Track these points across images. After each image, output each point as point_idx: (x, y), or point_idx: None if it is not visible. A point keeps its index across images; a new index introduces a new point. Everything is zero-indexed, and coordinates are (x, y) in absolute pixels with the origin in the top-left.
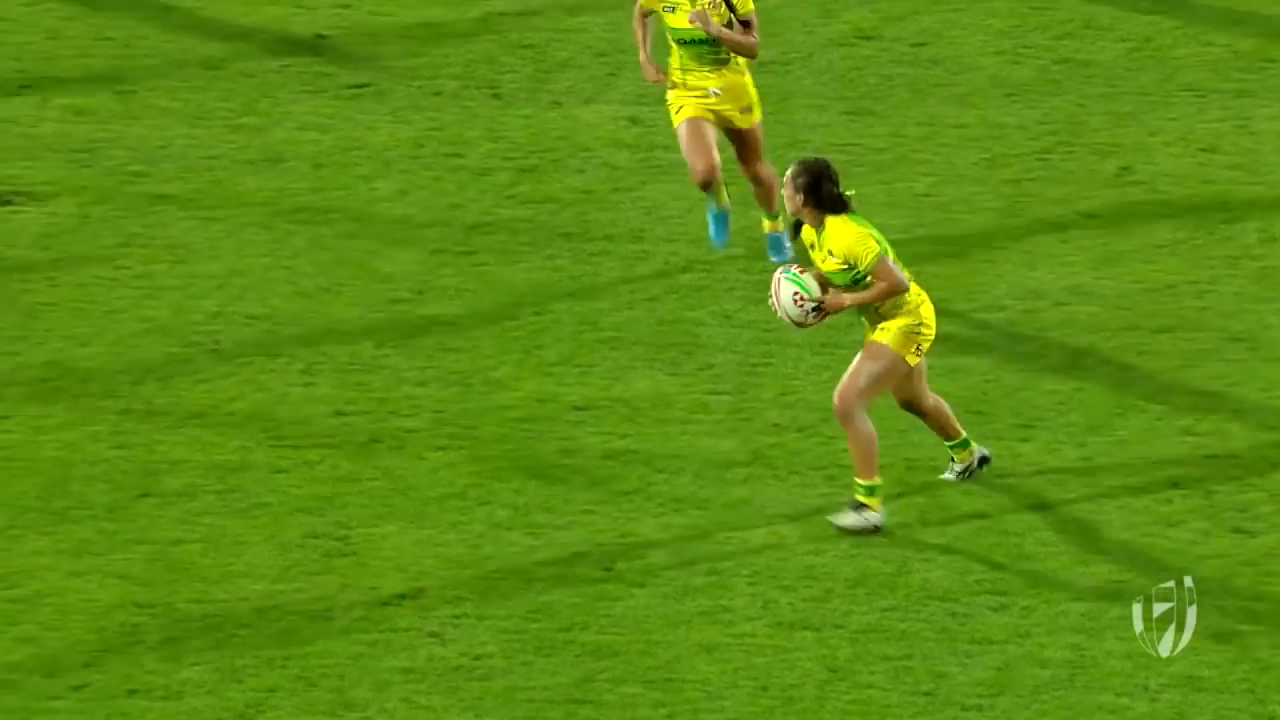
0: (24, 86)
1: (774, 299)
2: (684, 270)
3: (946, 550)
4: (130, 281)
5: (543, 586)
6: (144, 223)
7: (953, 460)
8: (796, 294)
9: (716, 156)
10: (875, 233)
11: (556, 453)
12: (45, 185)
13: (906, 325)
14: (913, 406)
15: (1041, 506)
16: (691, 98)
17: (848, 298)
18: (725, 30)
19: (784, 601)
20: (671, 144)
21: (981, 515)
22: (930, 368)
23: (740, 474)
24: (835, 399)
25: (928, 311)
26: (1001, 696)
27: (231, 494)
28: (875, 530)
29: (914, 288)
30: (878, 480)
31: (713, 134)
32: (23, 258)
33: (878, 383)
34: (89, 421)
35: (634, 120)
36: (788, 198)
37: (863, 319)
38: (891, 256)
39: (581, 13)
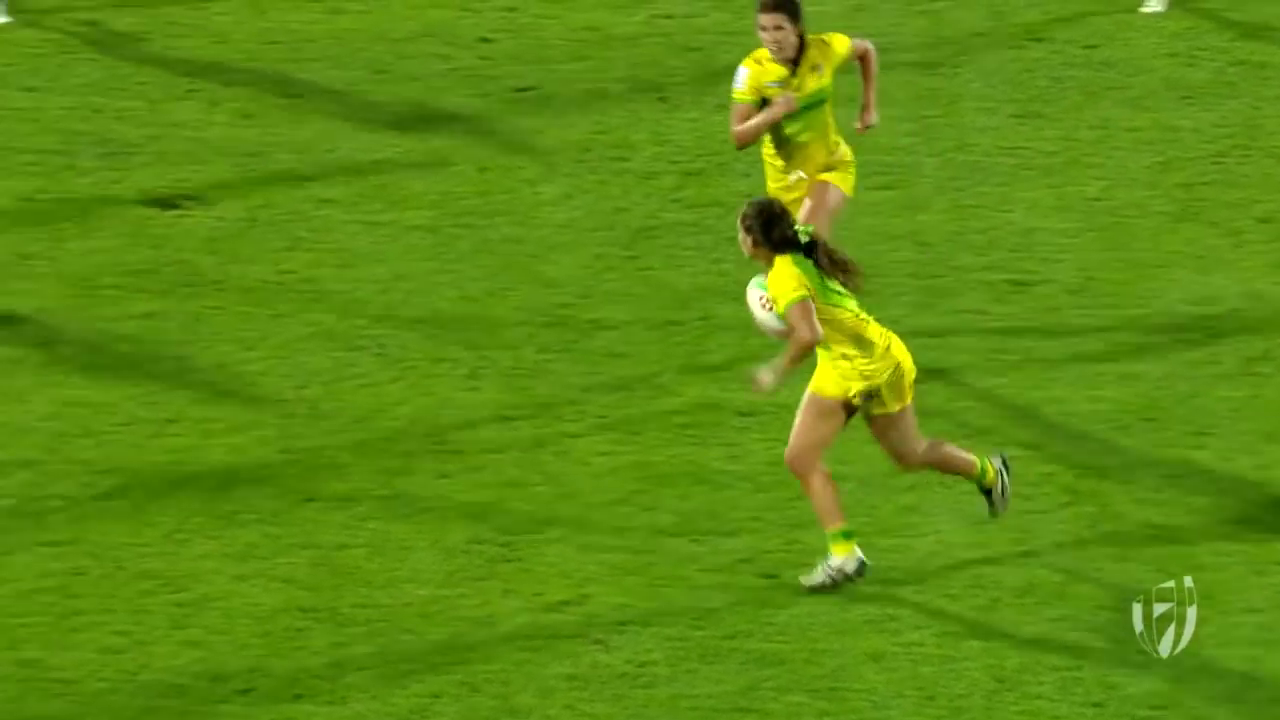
0: (192, 90)
1: (751, 312)
2: None
3: (1117, 559)
4: (296, 285)
5: (707, 594)
6: (310, 226)
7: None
8: (762, 297)
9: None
10: (813, 280)
11: (722, 459)
12: (212, 189)
13: (889, 376)
14: (807, 458)
15: (1215, 515)
16: (781, 190)
17: (769, 376)
18: (872, 109)
19: (951, 610)
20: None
21: (1153, 524)
22: (1102, 374)
23: (906, 481)
24: (904, 466)
25: (900, 352)
26: (1174, 709)
27: (395, 499)
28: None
29: (877, 329)
30: (988, 464)
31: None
32: (190, 261)
33: (912, 430)
34: (255, 425)
35: None
36: (740, 240)
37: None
38: (843, 307)
39: (748, 15)
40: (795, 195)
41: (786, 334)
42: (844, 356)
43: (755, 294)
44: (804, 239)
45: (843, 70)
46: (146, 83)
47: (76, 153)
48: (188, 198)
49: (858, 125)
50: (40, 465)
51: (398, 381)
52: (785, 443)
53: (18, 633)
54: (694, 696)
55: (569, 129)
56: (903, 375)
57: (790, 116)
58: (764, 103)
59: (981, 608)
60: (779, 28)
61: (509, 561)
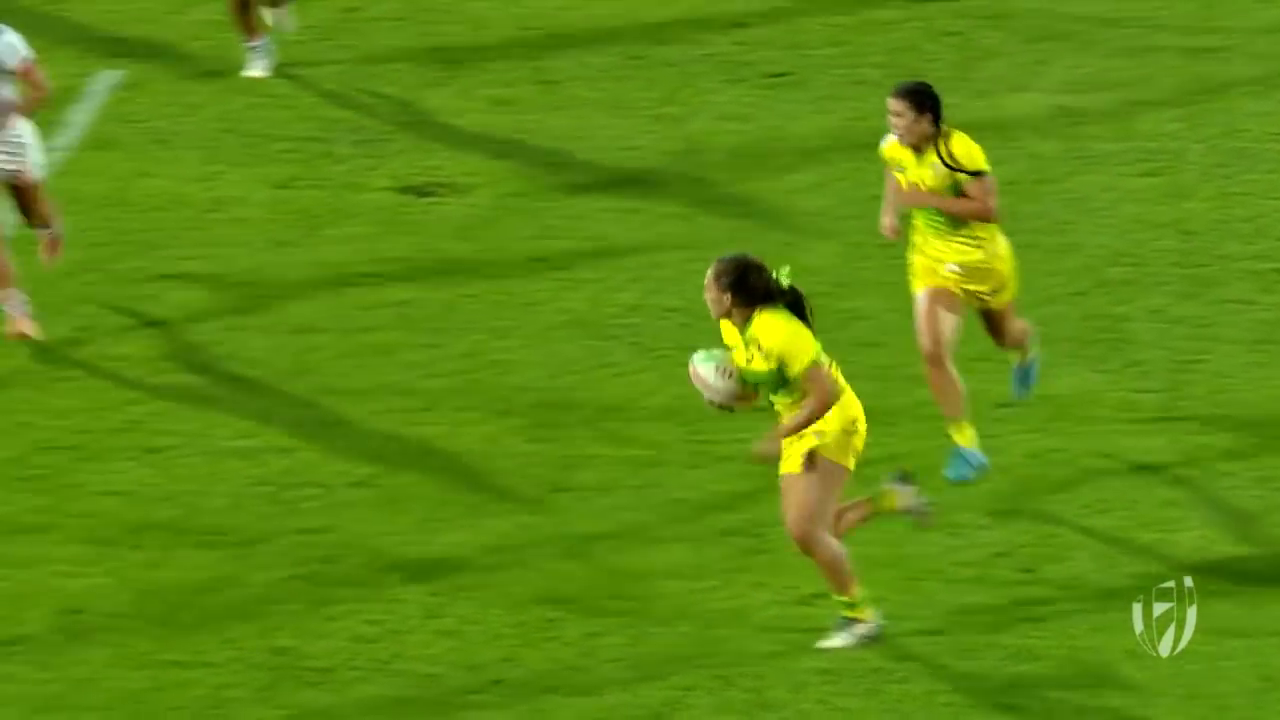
0: (447, 77)
1: (703, 389)
2: (1111, 264)
3: None
4: (549, 273)
5: (964, 588)
6: (563, 214)
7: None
8: (719, 367)
9: (946, 333)
10: (808, 333)
11: (978, 450)
12: (467, 176)
13: (844, 423)
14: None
15: None
16: (929, 265)
17: (781, 432)
18: (944, 199)
19: (1215, 607)
20: (1102, 134)
21: None
22: None
23: (1168, 475)
24: (790, 530)
25: (853, 405)
26: None
27: (647, 489)
28: (873, 639)
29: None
30: (857, 592)
31: (950, 306)
32: (444, 249)
33: (825, 501)
34: (507, 414)
35: (1063, 109)
36: (713, 300)
37: (780, 419)
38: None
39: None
40: (939, 282)
41: (743, 400)
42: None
43: (708, 368)
44: (787, 285)
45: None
46: (402, 70)
47: (332, 140)
48: (442, 185)
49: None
50: (295, 453)
51: (650, 371)
52: (1043, 433)
53: (272, 620)
54: (950, 692)
55: (824, 115)
56: (856, 431)
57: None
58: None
59: (1247, 604)
60: (899, 114)
61: (761, 553)
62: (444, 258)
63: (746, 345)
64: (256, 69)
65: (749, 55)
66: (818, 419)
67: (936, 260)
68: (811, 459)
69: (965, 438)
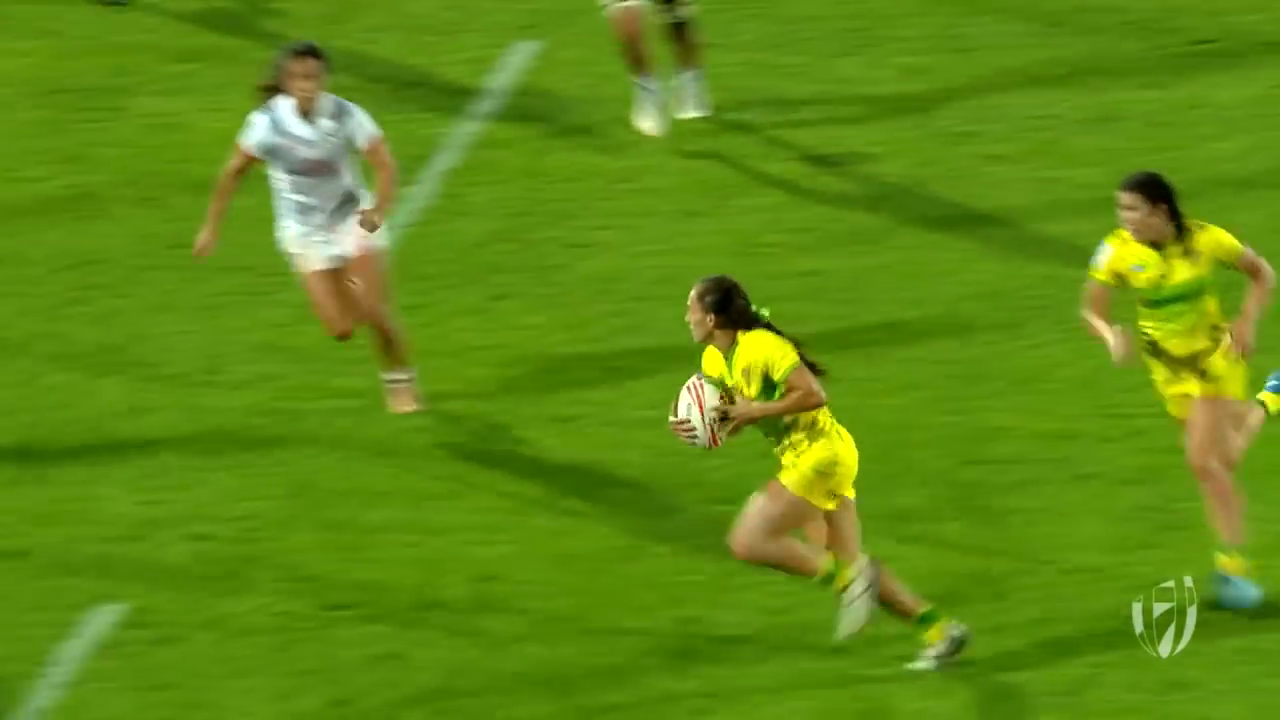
0: (862, 45)
1: (692, 407)
2: None
3: None
4: (958, 244)
5: None
6: (974, 184)
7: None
8: (712, 404)
9: (1202, 445)
10: (790, 345)
11: None
12: (877, 145)
13: (818, 462)
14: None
15: None
16: (1167, 374)
17: (757, 408)
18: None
19: None
20: None
21: None
22: None
23: None
24: (733, 546)
25: (843, 445)
26: None
27: (1060, 463)
28: (868, 592)
29: (827, 417)
30: (824, 566)
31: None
32: (853, 219)
33: (775, 527)
34: (917, 386)
35: None
36: (695, 322)
37: (774, 450)
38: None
39: None
40: (1175, 393)
41: (711, 444)
42: (792, 436)
43: (712, 391)
44: (764, 316)
45: (1226, 268)
46: (814, 38)
47: (746, 109)
48: (852, 154)
49: (1230, 343)
50: None
51: (1063, 343)
52: None
53: (680, 590)
54: None
55: (1248, 83)
56: (832, 473)
57: (1151, 305)
58: (1121, 283)
59: None
60: (1132, 208)
61: (1176, 529)
62: (853, 227)
63: (733, 372)
64: (647, 120)
65: (1173, 22)
66: (795, 411)
67: (1171, 362)
68: (779, 488)
69: (1235, 565)
